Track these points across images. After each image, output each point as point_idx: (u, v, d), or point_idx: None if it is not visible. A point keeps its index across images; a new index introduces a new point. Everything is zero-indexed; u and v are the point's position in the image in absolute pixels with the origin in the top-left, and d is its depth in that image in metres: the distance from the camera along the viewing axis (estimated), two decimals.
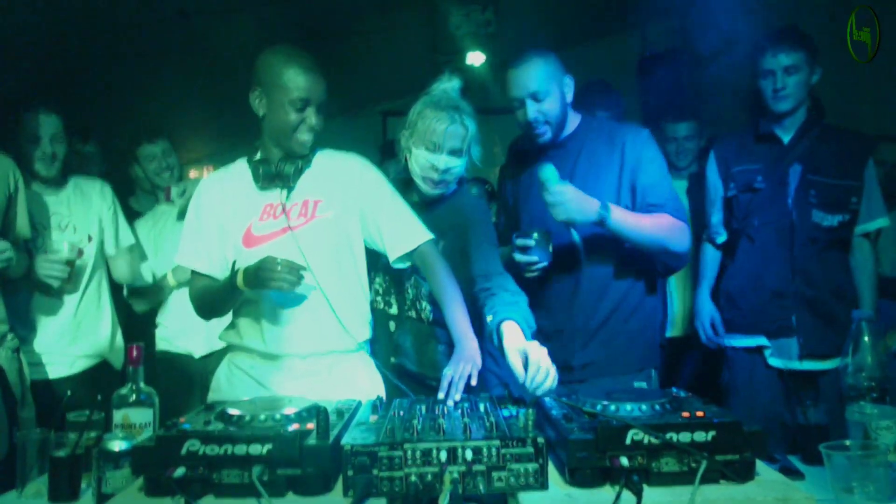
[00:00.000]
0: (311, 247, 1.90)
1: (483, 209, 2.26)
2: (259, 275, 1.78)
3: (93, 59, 4.00)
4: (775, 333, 2.46)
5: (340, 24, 4.62)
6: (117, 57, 4.07)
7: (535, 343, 1.76)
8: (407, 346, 2.15)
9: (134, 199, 3.59)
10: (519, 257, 2.14)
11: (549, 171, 2.05)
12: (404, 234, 1.97)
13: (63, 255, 2.53)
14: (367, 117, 5.88)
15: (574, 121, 2.31)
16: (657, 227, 2.11)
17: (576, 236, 2.22)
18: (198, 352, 3.05)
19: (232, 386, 1.97)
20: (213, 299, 1.96)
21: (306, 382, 1.88)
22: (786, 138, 2.50)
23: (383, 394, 1.89)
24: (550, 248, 2.13)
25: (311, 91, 1.86)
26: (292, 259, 1.82)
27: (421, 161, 2.10)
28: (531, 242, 2.11)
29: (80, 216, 2.77)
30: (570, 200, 2.02)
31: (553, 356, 1.85)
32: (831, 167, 2.43)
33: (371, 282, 2.16)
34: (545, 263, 2.13)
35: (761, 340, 2.48)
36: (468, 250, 2.10)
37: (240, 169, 2.00)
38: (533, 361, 1.69)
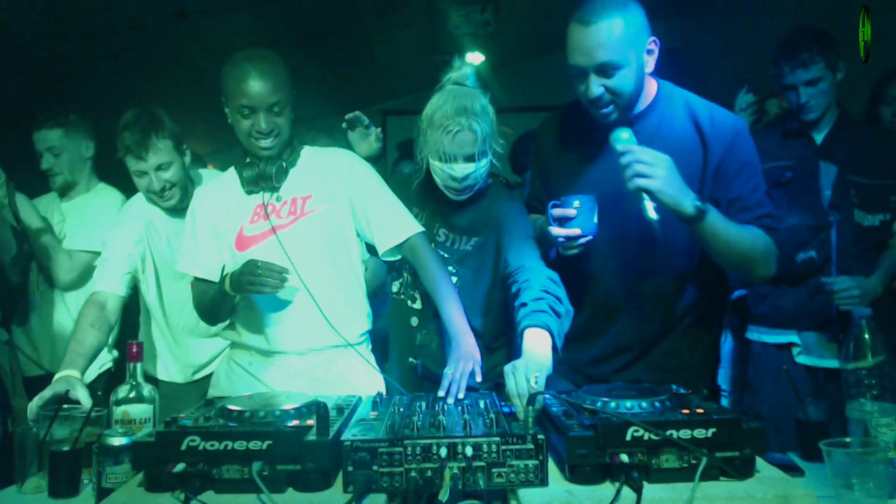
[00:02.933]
0: (301, 244, 1.91)
1: (517, 202, 2.12)
2: (241, 279, 1.80)
3: (93, 59, 4.00)
4: (813, 328, 2.39)
5: (340, 24, 4.62)
6: (117, 57, 4.07)
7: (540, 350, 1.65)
8: (433, 346, 2.10)
9: None
10: (556, 231, 1.77)
11: (624, 134, 1.66)
12: (393, 226, 1.96)
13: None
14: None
15: (650, 90, 1.83)
16: (752, 244, 1.75)
17: (649, 215, 1.64)
18: None
19: (231, 382, 1.99)
20: (210, 304, 1.97)
21: (305, 379, 1.89)
22: (818, 137, 2.42)
23: (383, 389, 1.89)
24: (596, 219, 1.77)
25: (253, 97, 1.83)
26: (280, 258, 1.84)
27: (438, 172, 2.02)
28: (571, 211, 1.76)
29: None
30: (667, 167, 1.60)
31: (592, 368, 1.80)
32: (869, 166, 2.36)
33: (397, 274, 2.15)
34: (590, 237, 1.77)
35: (792, 337, 2.42)
36: (502, 245, 2.02)
37: (231, 176, 2.03)
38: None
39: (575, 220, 1.76)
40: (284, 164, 1.94)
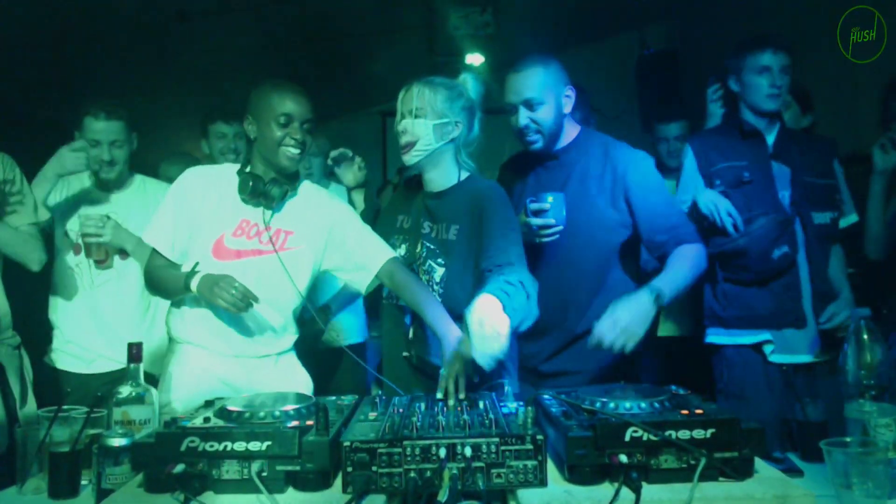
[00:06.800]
0: (271, 275, 2.00)
1: (501, 196, 2.08)
2: (214, 289, 1.86)
3: (93, 60, 4.00)
4: (791, 325, 2.42)
5: (340, 25, 4.63)
6: (117, 58, 4.08)
7: (490, 303, 1.66)
8: (422, 335, 2.10)
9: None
10: (535, 221, 2.12)
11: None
12: (364, 259, 2.07)
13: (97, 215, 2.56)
14: (367, 117, 5.90)
15: (571, 132, 2.29)
16: (694, 268, 2.07)
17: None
18: None
19: (180, 382, 2.01)
20: (164, 284, 2.01)
21: (254, 376, 2.03)
22: (769, 138, 2.50)
23: (311, 387, 2.12)
24: (565, 213, 2.12)
25: (294, 109, 1.98)
26: (250, 281, 1.90)
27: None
28: (546, 206, 2.11)
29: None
30: (630, 323, 1.86)
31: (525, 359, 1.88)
32: (813, 167, 2.48)
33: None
34: (561, 227, 2.12)
35: (766, 335, 2.45)
36: (483, 231, 2.01)
37: (229, 174, 2.05)
38: (475, 320, 1.60)
39: (549, 212, 2.12)
40: (287, 190, 2.02)
